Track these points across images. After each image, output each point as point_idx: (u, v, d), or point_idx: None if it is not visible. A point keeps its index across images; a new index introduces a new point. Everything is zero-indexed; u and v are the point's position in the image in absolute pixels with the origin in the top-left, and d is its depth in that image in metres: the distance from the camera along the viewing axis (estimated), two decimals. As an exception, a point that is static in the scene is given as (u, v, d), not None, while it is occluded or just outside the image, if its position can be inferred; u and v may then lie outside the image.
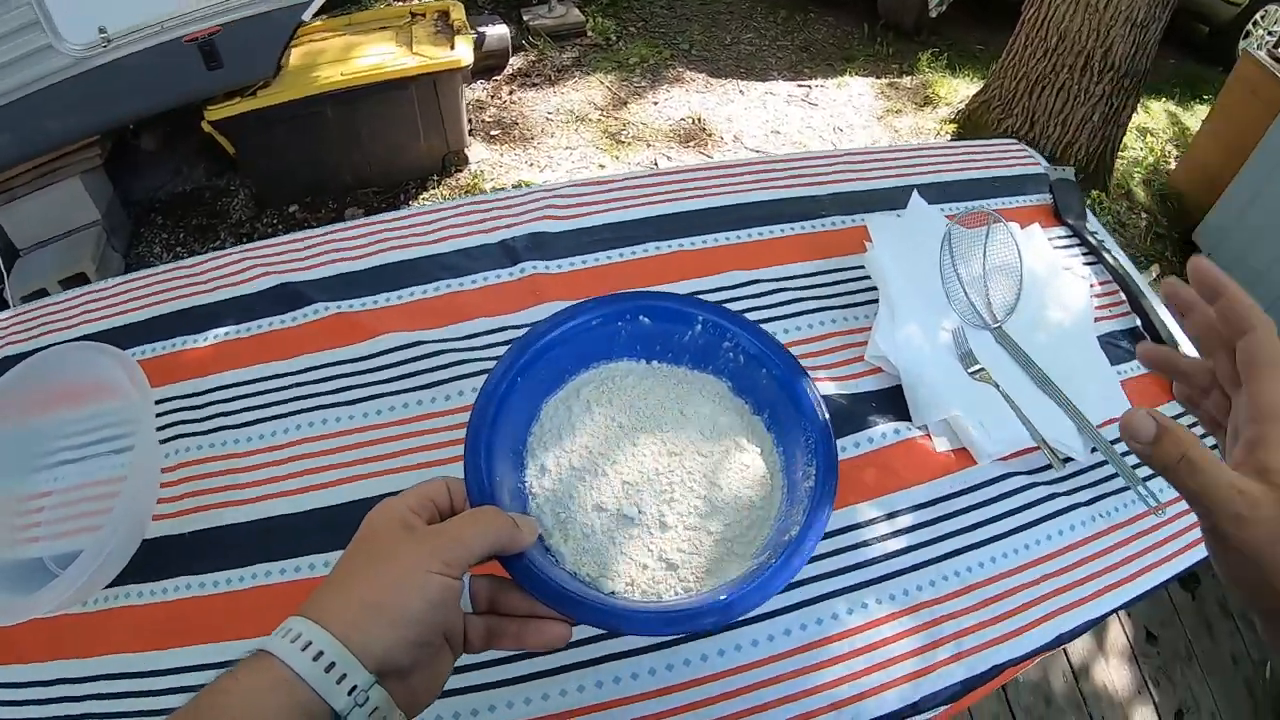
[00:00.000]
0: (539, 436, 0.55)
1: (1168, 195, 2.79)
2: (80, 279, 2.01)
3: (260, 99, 2.08)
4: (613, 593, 0.49)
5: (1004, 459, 0.77)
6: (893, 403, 0.80)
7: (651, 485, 0.53)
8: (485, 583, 0.46)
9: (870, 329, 0.84)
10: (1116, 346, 0.90)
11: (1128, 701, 1.57)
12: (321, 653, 0.35)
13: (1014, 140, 1.18)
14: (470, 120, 2.89)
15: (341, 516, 0.72)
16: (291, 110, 2.15)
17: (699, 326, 0.59)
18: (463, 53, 2.30)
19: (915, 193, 0.99)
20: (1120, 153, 2.85)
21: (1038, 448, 0.77)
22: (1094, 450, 0.78)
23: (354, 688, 0.35)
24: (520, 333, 0.64)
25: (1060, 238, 1.01)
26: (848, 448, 0.76)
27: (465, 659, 0.46)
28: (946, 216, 0.95)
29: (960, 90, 3.24)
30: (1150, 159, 3.05)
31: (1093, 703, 1.56)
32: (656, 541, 0.51)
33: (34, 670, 0.69)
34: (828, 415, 0.55)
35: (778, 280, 0.90)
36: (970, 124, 2.93)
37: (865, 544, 0.70)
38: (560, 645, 0.45)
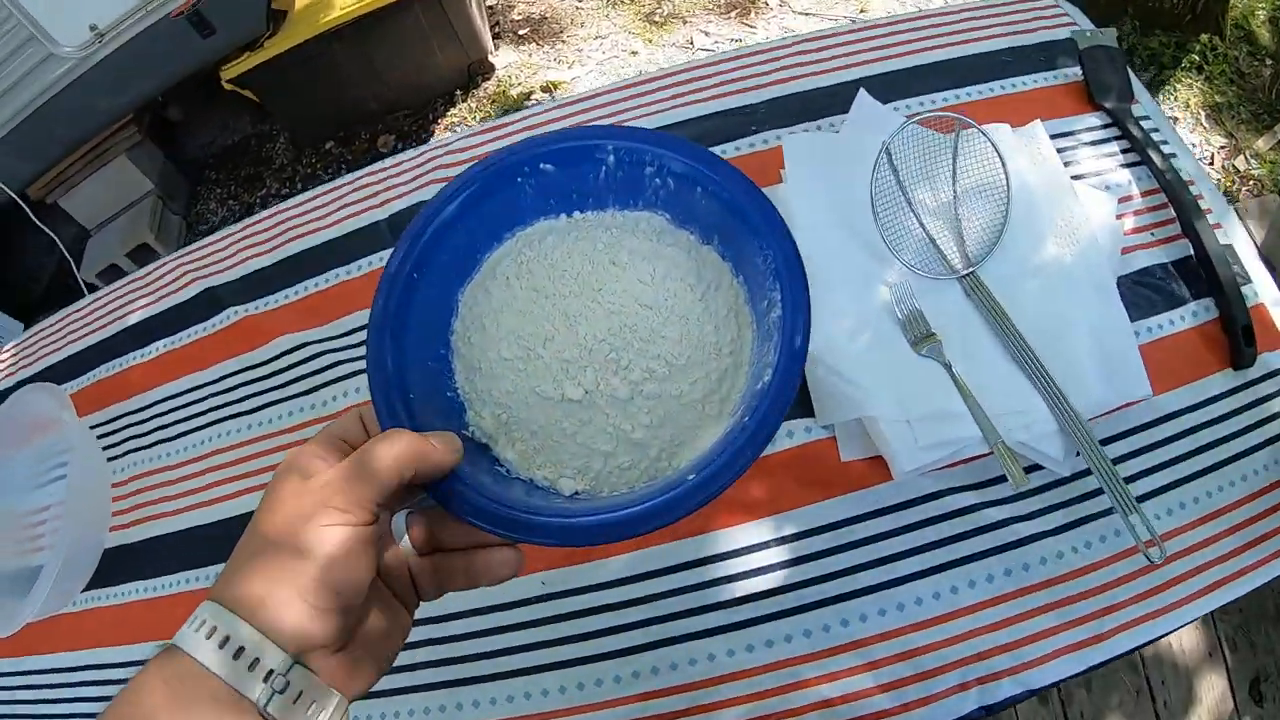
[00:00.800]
0: (461, 334, 0.47)
1: None
2: (144, 249, 2.17)
3: (268, 49, 2.08)
4: (575, 493, 0.42)
5: (942, 468, 0.61)
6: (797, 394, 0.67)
7: (595, 356, 0.44)
8: (420, 520, 0.39)
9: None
10: (1156, 288, 0.68)
11: (1195, 666, 1.30)
12: (228, 638, 0.30)
13: None
14: (497, 23, 2.77)
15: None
16: (302, 53, 2.14)
17: (611, 159, 0.48)
18: (459, -42, 2.18)
19: (862, 91, 0.78)
20: None
21: (990, 453, 0.59)
22: (1078, 455, 0.59)
23: (270, 672, 0.30)
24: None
25: (1090, 129, 0.77)
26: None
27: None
28: (907, 116, 0.70)
29: None
30: None
31: (1153, 666, 1.30)
32: (614, 420, 0.43)
33: (37, 661, 0.82)
34: (784, 223, 0.44)
35: None
36: None
37: (731, 579, 0.61)
38: (511, 572, 0.38)
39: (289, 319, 0.84)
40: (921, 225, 0.69)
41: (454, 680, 0.65)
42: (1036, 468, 0.60)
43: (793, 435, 0.65)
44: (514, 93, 2.52)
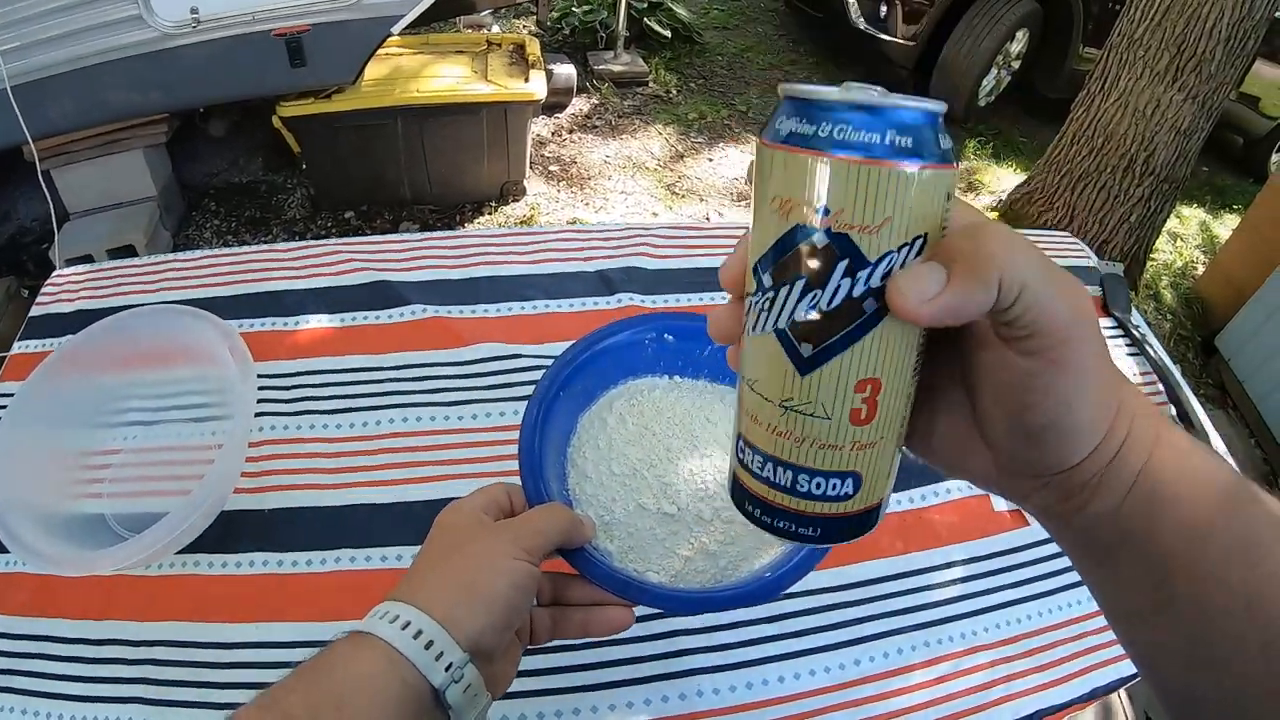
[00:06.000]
0: (577, 447, 0.58)
1: (1192, 300, 2.84)
2: (129, 250, 2.01)
3: (334, 103, 2.13)
4: (658, 584, 0.52)
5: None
6: None
7: (688, 484, 0.56)
8: (547, 578, 0.48)
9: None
10: None
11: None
12: (420, 631, 0.36)
13: (1066, 233, 1.21)
14: (530, 154, 2.95)
15: (420, 512, 0.72)
16: (362, 118, 2.20)
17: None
18: (536, 86, 2.36)
19: None
20: (1152, 255, 2.90)
21: None
22: None
23: (450, 664, 0.36)
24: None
25: (1107, 329, 1.04)
26: (915, 499, 0.79)
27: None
28: None
29: (1004, 180, 3.31)
30: (1179, 263, 3.10)
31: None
32: (696, 534, 0.54)
33: (82, 627, 0.68)
34: None
35: None
36: (1012, 214, 2.99)
37: (928, 588, 0.74)
38: (623, 629, 0.47)
39: (491, 330, 0.85)
40: None
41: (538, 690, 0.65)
42: None
43: (954, 491, 0.81)
44: (543, 219, 2.64)
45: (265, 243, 2.39)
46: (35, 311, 0.94)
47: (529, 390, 0.79)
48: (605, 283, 0.92)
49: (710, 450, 0.58)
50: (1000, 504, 0.81)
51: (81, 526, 0.73)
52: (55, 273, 0.98)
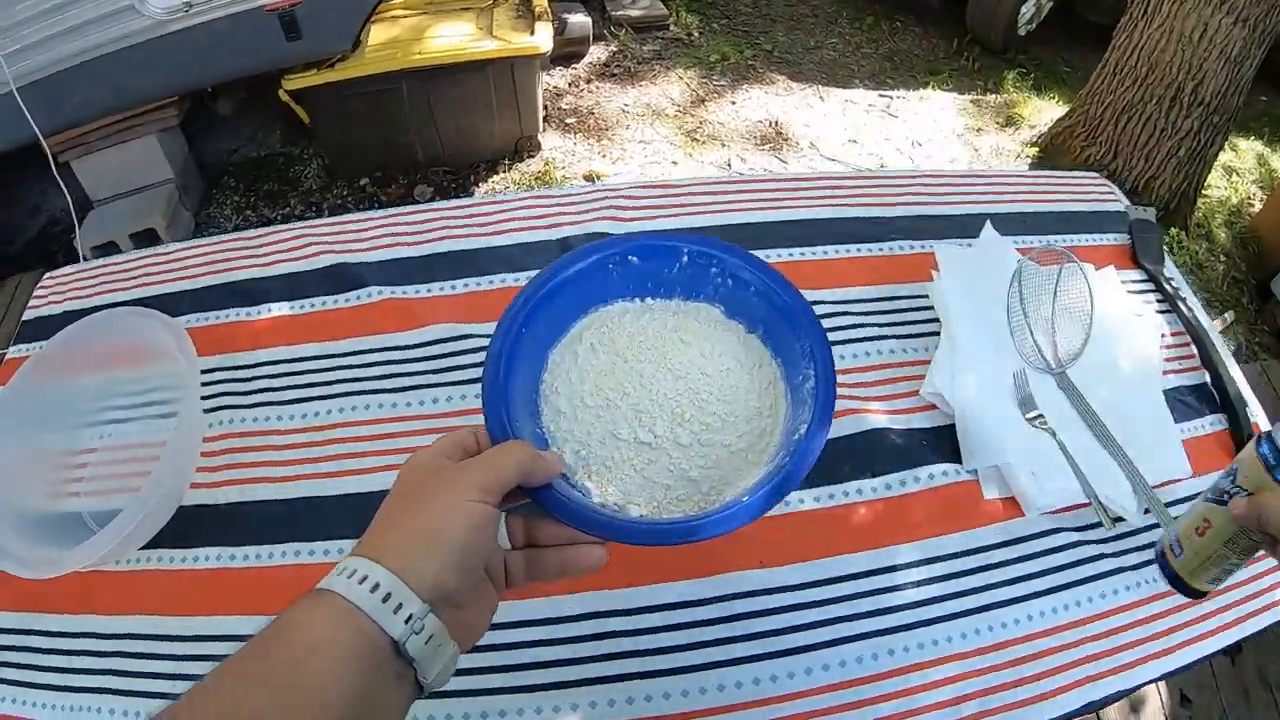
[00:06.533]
0: (550, 383, 0.57)
1: (1248, 240, 2.63)
2: (150, 235, 2.06)
3: (337, 71, 2.11)
4: (641, 517, 0.51)
5: (1053, 513, 0.74)
6: (945, 442, 0.77)
7: (663, 409, 0.55)
8: (519, 520, 0.47)
9: (929, 362, 0.82)
10: (1183, 403, 0.85)
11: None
12: (377, 585, 0.36)
13: (1097, 175, 1.11)
14: (546, 107, 2.88)
15: (375, 503, 0.71)
16: (367, 85, 2.17)
17: (685, 259, 0.61)
18: (542, 39, 2.28)
19: (989, 223, 0.95)
20: (1204, 191, 2.69)
21: (1089, 504, 0.73)
22: (1146, 511, 0.74)
23: (410, 616, 0.36)
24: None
25: (1135, 282, 0.95)
26: (894, 485, 0.74)
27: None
28: (1019, 250, 0.91)
29: (1045, 113, 3.10)
30: (1234, 200, 2.87)
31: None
32: (675, 460, 0.53)
33: (62, 621, 0.71)
34: (818, 319, 0.57)
35: (839, 303, 0.87)
36: (1053, 149, 2.81)
37: (900, 587, 0.69)
38: (597, 566, 0.46)
39: (446, 309, 0.83)
40: (1030, 331, 0.84)
41: (506, 688, 0.64)
42: (1120, 519, 0.73)
43: (947, 475, 0.75)
44: (558, 174, 2.60)
45: (284, 214, 2.43)
46: (28, 315, 0.96)
47: (478, 372, 0.77)
48: (567, 250, 0.88)
49: (686, 372, 0.57)
50: (992, 491, 0.74)
51: (59, 525, 0.75)
52: (46, 275, 1.00)
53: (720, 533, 0.47)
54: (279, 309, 0.86)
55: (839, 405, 0.75)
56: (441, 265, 0.87)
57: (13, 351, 0.93)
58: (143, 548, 0.73)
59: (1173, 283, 0.95)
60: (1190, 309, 0.92)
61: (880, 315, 0.87)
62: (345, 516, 0.71)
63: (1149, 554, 0.72)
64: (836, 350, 0.81)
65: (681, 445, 0.54)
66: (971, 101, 3.19)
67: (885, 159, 2.87)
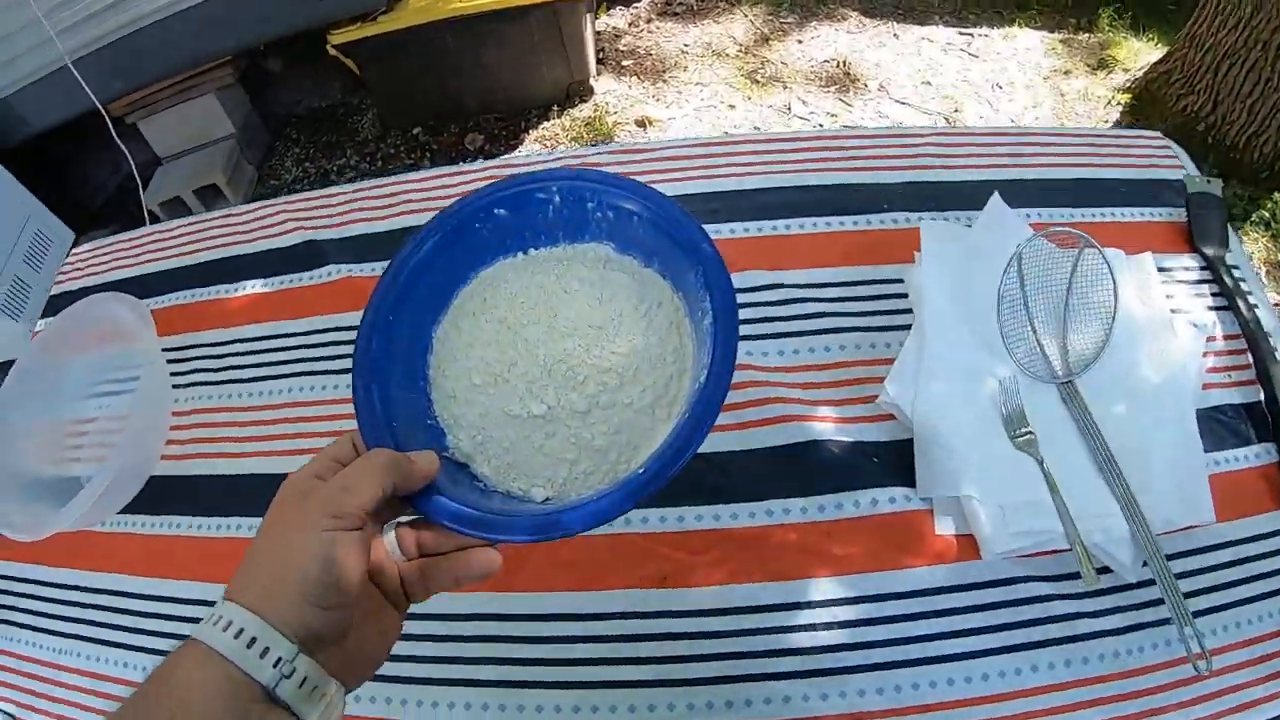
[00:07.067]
0: (437, 367, 0.53)
1: None
2: (213, 189, 2.18)
3: (381, 24, 2.12)
4: (547, 499, 0.47)
5: (1023, 557, 0.63)
6: (902, 460, 0.67)
7: (554, 375, 0.50)
8: (408, 530, 0.44)
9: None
10: (1224, 424, 0.70)
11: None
12: (241, 630, 0.35)
13: (1156, 133, 0.93)
14: (602, 49, 2.82)
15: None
16: (413, 36, 2.18)
17: (557, 198, 0.55)
18: (586, -18, 2.23)
19: (996, 195, 0.80)
20: None
21: (1070, 549, 0.61)
22: (1145, 565, 0.61)
23: (278, 660, 0.35)
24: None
25: (1187, 269, 0.79)
26: (828, 508, 0.65)
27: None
28: (1031, 225, 0.77)
29: (1142, 55, 2.77)
30: None
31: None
32: (575, 430, 0.49)
33: (56, 574, 0.79)
34: (710, 240, 0.50)
35: (804, 287, 0.78)
36: (1147, 96, 2.52)
37: (812, 627, 0.61)
38: (492, 570, 0.43)
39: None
40: (1033, 330, 0.72)
41: (514, 681, 0.63)
42: (1106, 569, 0.62)
43: (894, 501, 0.66)
44: (609, 120, 2.55)
45: (340, 166, 2.50)
46: (55, 290, 1.04)
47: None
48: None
49: (575, 327, 0.52)
50: (946, 526, 0.64)
51: (61, 487, 0.83)
52: (71, 253, 1.07)
53: (612, 516, 0.41)
54: (254, 286, 0.89)
55: (772, 411, 0.71)
56: (399, 241, 0.87)
57: (40, 325, 1.01)
58: (121, 511, 0.79)
59: (1236, 272, 0.78)
60: (1252, 307, 0.75)
61: (852, 302, 0.77)
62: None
63: (1136, 617, 0.61)
64: (789, 343, 0.75)
65: (579, 412, 0.49)
66: (1061, 41, 2.90)
67: (960, 103, 2.67)
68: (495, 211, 0.54)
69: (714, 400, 0.43)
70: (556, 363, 0.51)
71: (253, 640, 0.35)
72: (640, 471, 0.43)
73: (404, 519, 0.44)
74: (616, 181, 0.54)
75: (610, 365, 0.50)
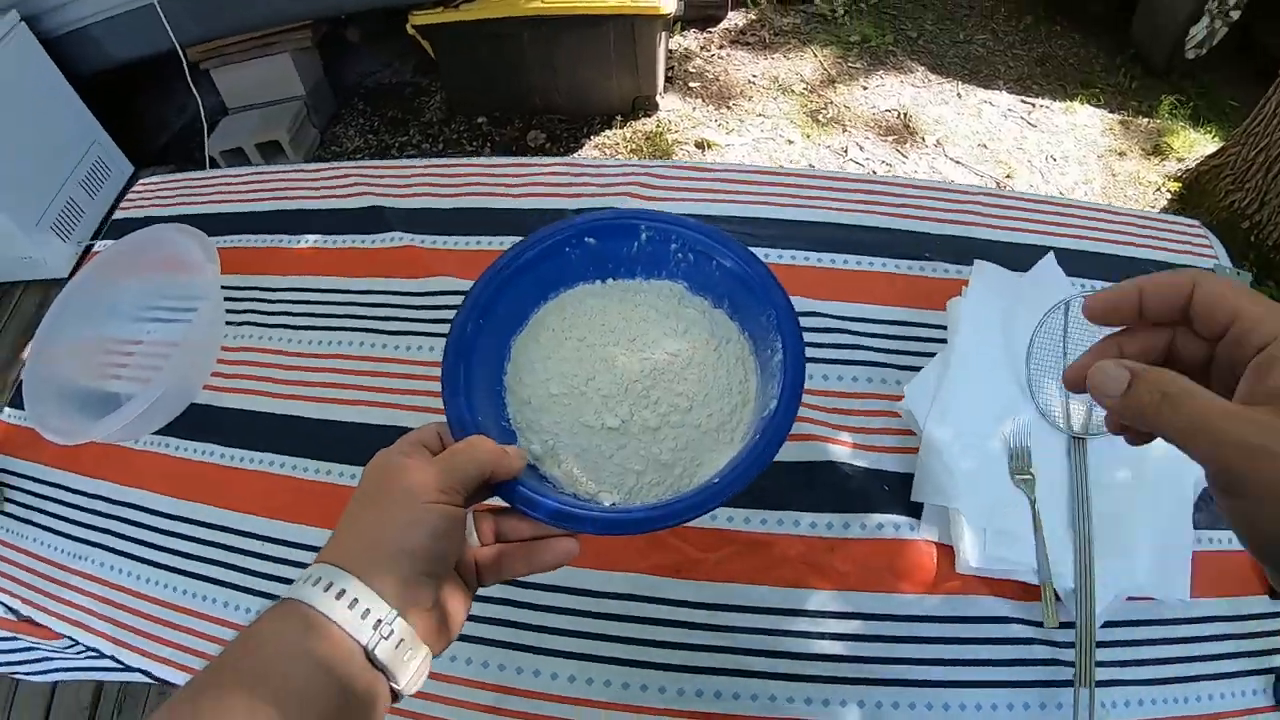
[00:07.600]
0: (514, 374, 0.56)
1: None
2: (274, 146, 2.24)
3: (462, 12, 2.18)
4: (613, 505, 0.50)
5: (1005, 596, 0.66)
6: (909, 492, 0.70)
7: (630, 393, 0.54)
8: (488, 516, 0.46)
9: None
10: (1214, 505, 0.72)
11: None
12: (344, 591, 0.36)
13: (1195, 222, 0.95)
14: (672, 68, 2.86)
15: (350, 433, 0.78)
16: (491, 27, 2.23)
17: (644, 235, 0.59)
18: (666, 0, 2.27)
19: (1050, 255, 0.83)
20: None
21: (1038, 590, 0.65)
22: (1104, 625, 0.64)
23: (378, 621, 0.36)
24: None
25: None
26: (834, 524, 0.68)
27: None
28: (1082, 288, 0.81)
29: (1197, 147, 2.78)
30: None
31: None
32: (645, 444, 0.52)
33: (79, 480, 0.83)
34: (782, 288, 0.55)
35: (842, 319, 0.81)
36: (1196, 188, 2.52)
37: (806, 634, 0.65)
38: (569, 559, 0.45)
39: (452, 263, 0.86)
40: (1058, 380, 0.74)
41: (517, 645, 0.66)
42: (1068, 623, 0.64)
43: (898, 529, 0.69)
44: (669, 137, 2.59)
45: (402, 143, 2.55)
46: (117, 215, 1.08)
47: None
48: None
49: (651, 352, 0.56)
50: (930, 531, 0.67)
51: (99, 402, 0.86)
52: (139, 181, 1.12)
53: (687, 519, 0.45)
54: (315, 240, 0.93)
55: (796, 429, 0.73)
56: (461, 220, 0.91)
57: (98, 246, 1.05)
58: (156, 433, 0.82)
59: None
60: None
61: (886, 340, 0.80)
62: (318, 439, 0.78)
63: (1103, 674, 0.63)
64: (820, 368, 0.78)
65: (650, 428, 0.53)
66: (1120, 122, 2.91)
67: (1013, 169, 2.69)
68: (586, 239, 0.59)
69: (783, 426, 0.48)
70: (633, 381, 0.55)
71: (354, 601, 0.36)
72: (715, 482, 0.47)
73: (478, 506, 0.46)
74: (700, 228, 0.59)
75: (682, 389, 0.55)
